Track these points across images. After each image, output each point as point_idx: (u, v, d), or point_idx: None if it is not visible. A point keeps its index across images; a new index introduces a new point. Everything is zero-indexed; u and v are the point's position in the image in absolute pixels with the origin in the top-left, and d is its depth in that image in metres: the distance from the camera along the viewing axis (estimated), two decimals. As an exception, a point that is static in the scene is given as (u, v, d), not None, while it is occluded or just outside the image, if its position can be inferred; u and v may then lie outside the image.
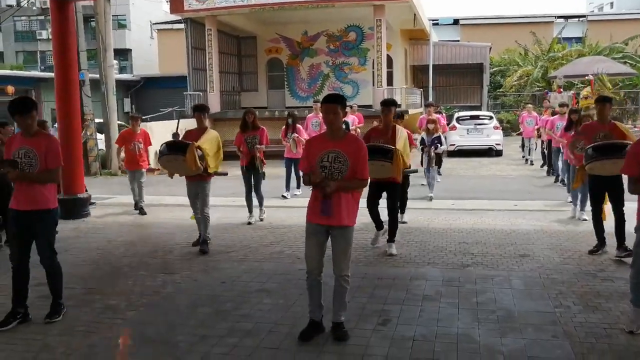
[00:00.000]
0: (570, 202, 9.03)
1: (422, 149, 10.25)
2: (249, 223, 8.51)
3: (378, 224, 6.95)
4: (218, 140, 7.02)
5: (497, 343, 4.16)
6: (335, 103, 4.14)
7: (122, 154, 9.93)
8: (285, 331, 4.38)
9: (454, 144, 18.13)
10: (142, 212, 9.55)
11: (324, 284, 4.30)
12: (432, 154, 10.16)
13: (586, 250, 6.58)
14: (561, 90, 23.58)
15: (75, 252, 7.01)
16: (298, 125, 10.93)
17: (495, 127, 18.73)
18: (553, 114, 14.07)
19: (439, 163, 10.80)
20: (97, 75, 16.70)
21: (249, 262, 6.48)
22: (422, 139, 10.34)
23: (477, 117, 19.47)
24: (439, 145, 10.31)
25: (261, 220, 8.71)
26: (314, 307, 4.27)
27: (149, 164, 9.98)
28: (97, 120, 16.32)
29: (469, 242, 7.21)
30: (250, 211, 8.65)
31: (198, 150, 6.61)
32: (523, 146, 16.97)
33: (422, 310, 4.85)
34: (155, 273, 6.12)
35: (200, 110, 6.94)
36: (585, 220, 7.95)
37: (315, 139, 4.58)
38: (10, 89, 19.70)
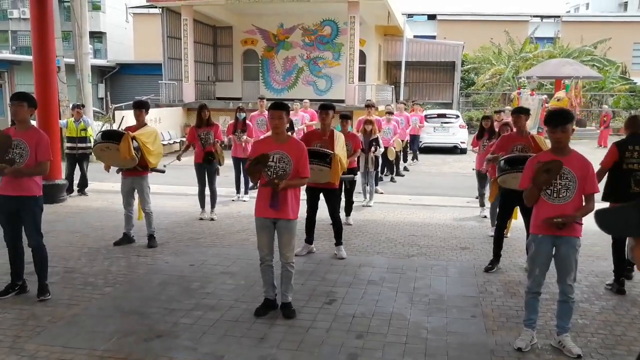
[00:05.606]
0: (485, 217, 8.83)
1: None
2: (201, 219, 8.56)
3: (309, 236, 6.84)
4: (157, 136, 7.01)
5: (424, 321, 4.88)
6: (281, 110, 4.77)
7: None
8: (244, 307, 5.04)
9: (420, 141, 18.97)
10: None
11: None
12: (371, 155, 9.48)
13: (520, 246, 6.95)
14: (534, 92, 23.74)
15: (56, 235, 7.53)
16: (249, 123, 10.18)
17: (461, 126, 19.68)
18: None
19: (377, 167, 10.25)
20: (72, 60, 16.94)
21: (216, 248, 7.10)
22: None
23: (444, 116, 20.34)
24: (378, 147, 9.58)
25: (212, 220, 8.54)
26: (268, 287, 4.97)
27: None
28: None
29: (418, 235, 7.93)
30: (203, 207, 8.69)
31: (134, 141, 6.54)
32: None
33: (365, 292, 5.55)
34: (130, 255, 6.70)
35: (139, 106, 6.90)
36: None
37: (262, 142, 5.18)
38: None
